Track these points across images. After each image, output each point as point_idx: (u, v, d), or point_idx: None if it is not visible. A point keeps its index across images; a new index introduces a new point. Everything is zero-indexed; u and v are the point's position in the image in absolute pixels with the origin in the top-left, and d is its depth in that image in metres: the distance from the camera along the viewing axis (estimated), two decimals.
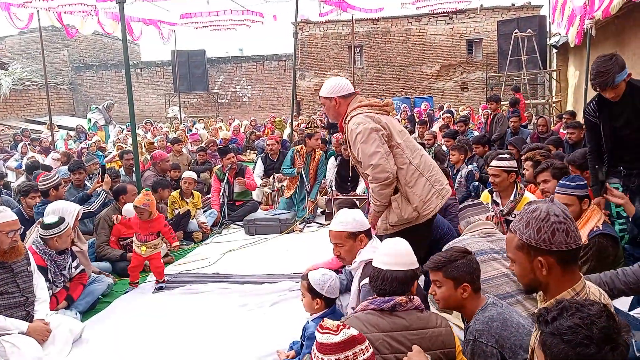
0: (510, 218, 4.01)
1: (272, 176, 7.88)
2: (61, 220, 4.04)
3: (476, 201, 3.37)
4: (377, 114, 3.29)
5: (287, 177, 7.33)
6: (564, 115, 9.27)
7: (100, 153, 10.50)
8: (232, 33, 15.03)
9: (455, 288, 2.32)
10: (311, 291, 2.83)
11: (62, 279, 4.09)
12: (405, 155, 3.28)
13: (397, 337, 2.09)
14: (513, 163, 4.25)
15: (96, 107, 15.71)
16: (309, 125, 8.10)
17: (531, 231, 1.75)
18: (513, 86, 16.30)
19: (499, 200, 4.26)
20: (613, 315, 1.42)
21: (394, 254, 2.32)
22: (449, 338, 2.18)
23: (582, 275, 1.81)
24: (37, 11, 10.97)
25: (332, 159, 7.45)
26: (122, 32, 6.38)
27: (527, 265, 1.78)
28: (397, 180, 3.23)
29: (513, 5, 18.30)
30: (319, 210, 7.47)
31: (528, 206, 1.84)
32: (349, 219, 3.00)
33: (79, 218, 4.65)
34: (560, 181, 3.57)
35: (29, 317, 3.45)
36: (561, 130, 8.86)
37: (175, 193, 6.53)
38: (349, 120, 3.32)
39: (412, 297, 2.25)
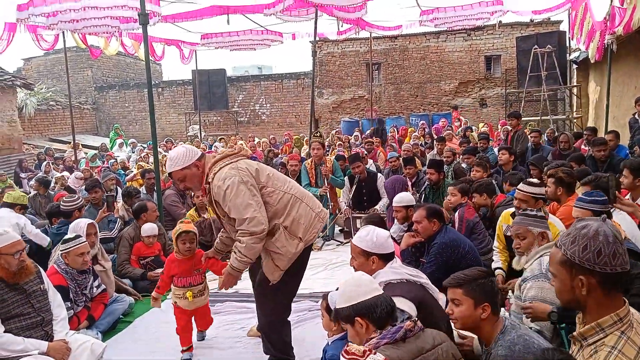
0: None
1: None
2: (71, 238, 4.08)
3: (538, 212, 3.21)
4: (237, 161, 3.23)
5: None
6: (584, 132, 9.14)
7: (123, 172, 10.65)
8: (252, 52, 15.24)
9: (475, 307, 2.27)
10: (329, 312, 2.80)
11: (84, 299, 4.14)
12: (278, 186, 3.24)
13: None
14: (542, 190, 4.21)
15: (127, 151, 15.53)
16: (317, 134, 8.13)
17: (577, 248, 1.69)
18: (453, 105, 16.51)
19: None
20: None
21: (358, 285, 2.30)
22: (456, 350, 2.21)
23: (625, 300, 1.74)
24: (63, 33, 11.25)
25: (346, 179, 7.27)
26: (144, 53, 6.52)
27: (568, 282, 1.73)
28: (273, 220, 3.16)
29: (532, 21, 18.20)
30: (338, 229, 7.44)
31: (578, 222, 1.78)
32: (368, 237, 2.91)
33: (95, 233, 4.63)
34: (580, 195, 3.56)
35: (47, 337, 3.40)
36: (582, 146, 8.74)
37: (192, 211, 6.57)
38: (212, 179, 3.16)
39: (416, 320, 2.23)
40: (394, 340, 2.12)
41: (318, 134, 8.23)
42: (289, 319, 3.55)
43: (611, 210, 3.58)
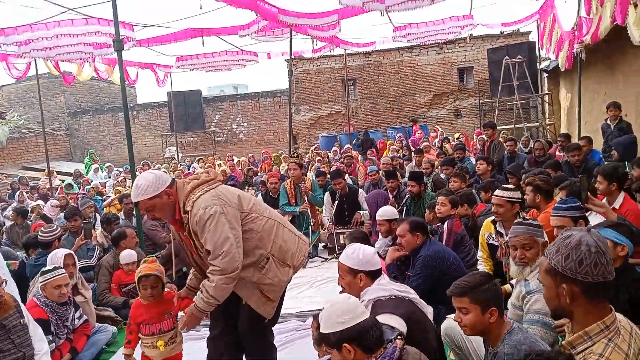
0: None
1: None
2: (49, 269, 3.98)
3: (535, 222, 3.22)
4: (215, 187, 2.98)
5: (288, 214, 7.27)
6: (559, 139, 9.33)
7: (99, 197, 10.49)
8: (227, 72, 15.26)
9: (482, 313, 2.28)
10: None
11: (65, 331, 4.02)
12: (261, 212, 3.07)
13: None
14: (517, 194, 4.26)
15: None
16: (294, 154, 8.18)
17: (560, 257, 1.74)
18: (411, 117, 17.10)
19: (502, 231, 4.19)
20: None
21: (346, 309, 2.14)
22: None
23: (612, 308, 1.77)
24: (35, 60, 11.11)
25: (327, 195, 7.32)
26: (120, 79, 6.48)
27: (553, 290, 1.78)
28: (259, 249, 2.98)
29: (502, 33, 18.59)
30: (321, 245, 7.42)
31: (564, 232, 1.83)
32: (354, 254, 2.88)
33: (74, 264, 4.51)
34: (556, 204, 3.64)
35: None
36: (557, 152, 8.91)
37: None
38: (190, 207, 2.86)
39: (402, 337, 2.22)
40: None
41: (295, 154, 8.26)
42: (275, 341, 3.46)
43: (587, 214, 3.65)
